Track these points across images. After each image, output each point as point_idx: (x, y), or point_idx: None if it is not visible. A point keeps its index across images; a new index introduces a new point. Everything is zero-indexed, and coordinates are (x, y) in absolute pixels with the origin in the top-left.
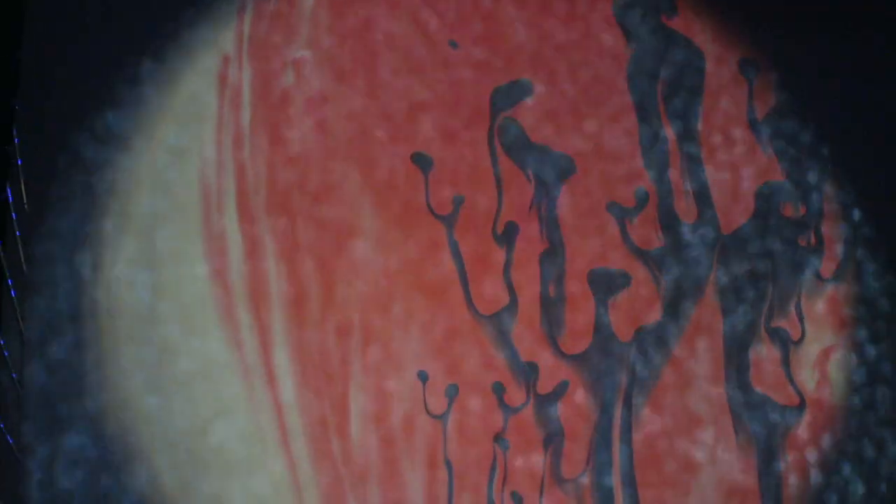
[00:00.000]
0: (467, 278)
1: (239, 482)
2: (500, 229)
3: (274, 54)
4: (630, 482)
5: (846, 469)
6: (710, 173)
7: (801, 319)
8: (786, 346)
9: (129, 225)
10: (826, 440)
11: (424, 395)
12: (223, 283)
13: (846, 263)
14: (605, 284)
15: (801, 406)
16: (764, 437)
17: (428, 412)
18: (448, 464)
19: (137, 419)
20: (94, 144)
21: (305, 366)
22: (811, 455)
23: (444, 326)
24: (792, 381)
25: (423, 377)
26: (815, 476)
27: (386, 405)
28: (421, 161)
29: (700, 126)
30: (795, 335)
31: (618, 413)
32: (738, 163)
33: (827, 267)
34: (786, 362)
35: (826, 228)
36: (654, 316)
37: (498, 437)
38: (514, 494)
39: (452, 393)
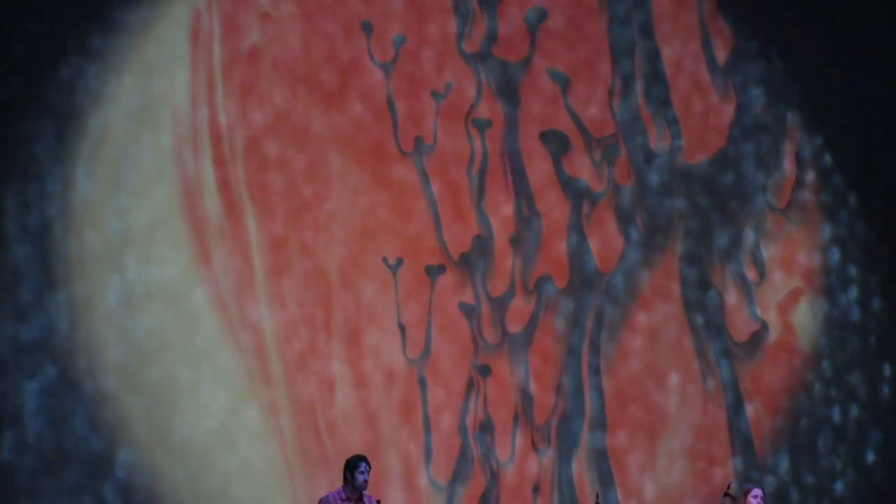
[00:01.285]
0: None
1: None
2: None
3: (243, 5)
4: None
5: (816, 412)
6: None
7: (761, 260)
8: (749, 288)
9: (100, 169)
10: (795, 383)
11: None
12: (199, 230)
13: (814, 208)
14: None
15: (765, 331)
16: (731, 381)
17: (405, 356)
18: (424, 405)
19: (110, 375)
20: (63, 89)
21: (284, 311)
22: (780, 398)
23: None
24: (755, 315)
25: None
26: (784, 419)
27: (363, 350)
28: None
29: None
30: (758, 276)
31: (585, 356)
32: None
33: (791, 209)
34: (750, 303)
35: (796, 174)
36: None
37: (472, 378)
38: (484, 430)
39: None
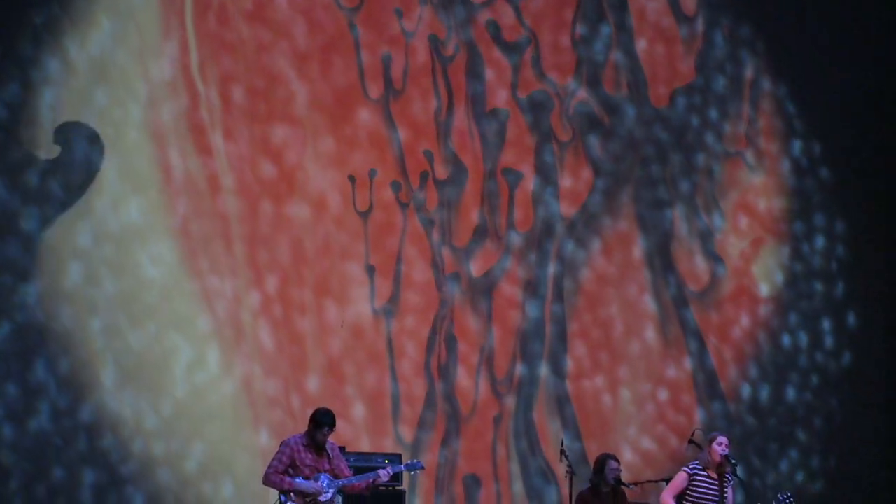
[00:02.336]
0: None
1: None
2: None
3: None
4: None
5: (781, 360)
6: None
7: (723, 207)
8: (712, 235)
9: (68, 115)
10: (760, 331)
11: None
12: (167, 176)
13: (778, 154)
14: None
15: (729, 279)
16: (694, 329)
17: (372, 301)
18: (391, 355)
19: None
20: (29, 38)
21: (253, 258)
22: (744, 346)
23: None
24: (719, 263)
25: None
26: (750, 367)
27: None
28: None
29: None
30: (721, 223)
31: (549, 302)
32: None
33: (756, 157)
34: (713, 250)
35: (760, 120)
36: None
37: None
38: (448, 375)
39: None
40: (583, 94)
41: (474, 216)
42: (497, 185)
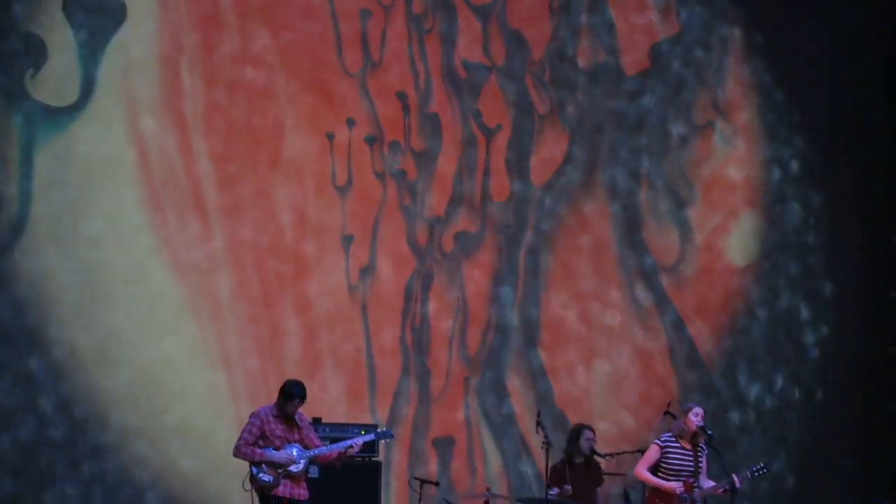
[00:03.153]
0: None
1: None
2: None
3: None
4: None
5: (755, 331)
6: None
7: (700, 179)
8: (686, 208)
9: (45, 87)
10: (735, 303)
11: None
12: (141, 145)
13: (755, 126)
14: None
15: (704, 252)
16: (670, 302)
17: (347, 273)
18: (365, 322)
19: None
20: (4, 9)
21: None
22: (720, 318)
23: None
24: (694, 235)
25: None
26: (726, 339)
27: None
28: None
29: None
30: (696, 195)
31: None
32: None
33: (731, 128)
34: (689, 223)
35: (737, 91)
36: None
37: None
38: (422, 347)
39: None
40: (558, 64)
41: (450, 186)
42: (474, 154)
